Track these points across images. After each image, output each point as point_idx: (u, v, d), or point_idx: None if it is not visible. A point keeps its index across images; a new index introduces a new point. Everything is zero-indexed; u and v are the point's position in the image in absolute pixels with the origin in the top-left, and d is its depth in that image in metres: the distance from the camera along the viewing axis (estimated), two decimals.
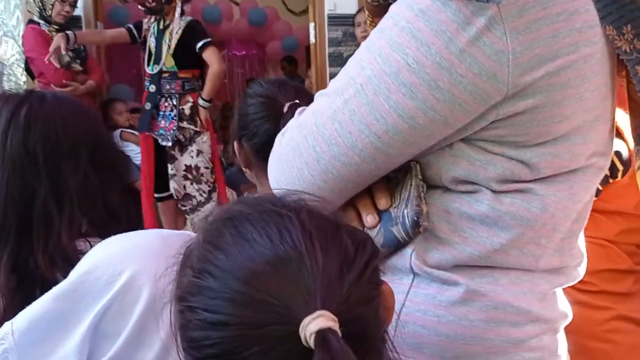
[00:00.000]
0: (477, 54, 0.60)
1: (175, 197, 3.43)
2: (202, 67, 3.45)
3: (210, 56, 3.31)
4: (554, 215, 0.69)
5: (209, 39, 3.34)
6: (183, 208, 3.46)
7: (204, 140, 3.41)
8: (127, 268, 0.69)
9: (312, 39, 4.49)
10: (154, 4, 3.23)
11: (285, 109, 1.11)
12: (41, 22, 3.50)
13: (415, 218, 0.68)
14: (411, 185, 0.69)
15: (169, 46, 3.26)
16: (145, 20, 3.41)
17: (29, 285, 0.89)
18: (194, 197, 3.39)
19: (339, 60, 4.28)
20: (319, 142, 0.68)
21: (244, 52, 7.35)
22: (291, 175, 0.72)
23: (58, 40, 3.13)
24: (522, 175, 0.67)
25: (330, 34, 4.32)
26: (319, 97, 0.73)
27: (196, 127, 3.36)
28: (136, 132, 4.18)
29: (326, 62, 4.36)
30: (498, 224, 0.67)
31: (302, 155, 0.70)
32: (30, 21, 3.54)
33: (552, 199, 0.68)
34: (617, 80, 0.73)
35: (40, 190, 0.92)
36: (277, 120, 1.11)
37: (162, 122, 3.32)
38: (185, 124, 3.33)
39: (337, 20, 4.30)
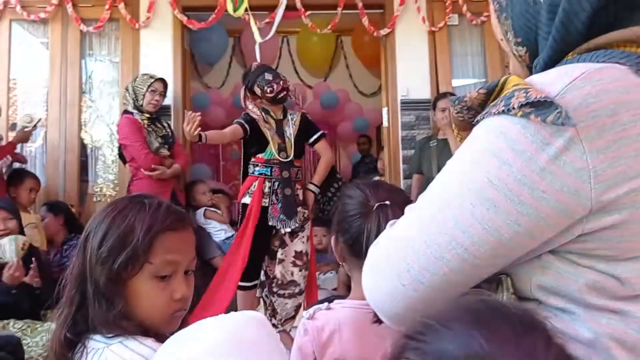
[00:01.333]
0: (558, 171, 0.64)
1: (280, 282, 3.38)
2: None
3: (325, 146, 3.56)
4: None
5: (323, 131, 3.58)
6: (281, 291, 3.39)
7: (308, 227, 3.48)
8: None
9: (385, 123, 4.57)
10: (284, 94, 3.40)
11: (373, 209, 1.20)
12: (134, 111, 3.75)
13: None
14: (502, 299, 0.72)
15: (291, 136, 3.42)
16: (251, 112, 3.49)
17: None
18: (299, 284, 3.37)
19: (411, 143, 4.34)
20: (408, 253, 0.72)
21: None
22: (384, 285, 0.76)
23: (193, 137, 3.20)
24: (614, 290, 0.67)
25: (403, 118, 4.40)
26: (409, 211, 0.78)
27: (308, 213, 3.46)
28: (219, 211, 4.37)
29: (399, 144, 4.41)
30: (596, 345, 0.67)
31: (393, 266, 0.74)
32: (125, 111, 3.80)
33: None
34: None
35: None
36: (366, 218, 1.20)
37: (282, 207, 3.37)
38: (300, 209, 3.41)
39: (409, 105, 4.39)
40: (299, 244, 3.39)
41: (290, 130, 3.43)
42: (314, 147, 3.56)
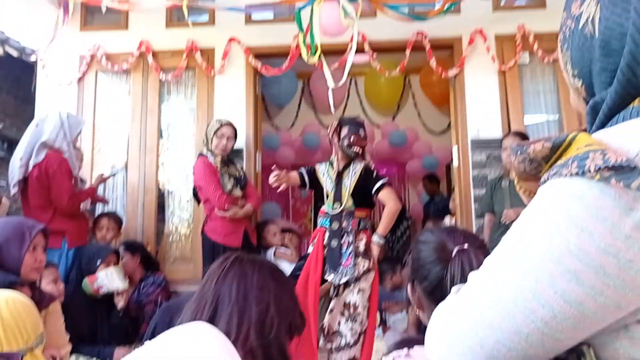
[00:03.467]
0: None
1: (326, 332, 3.32)
2: (373, 207, 3.60)
3: (388, 195, 3.42)
4: None
5: (386, 180, 3.48)
6: (327, 346, 3.32)
7: (368, 279, 3.37)
8: None
9: (455, 162, 4.52)
10: (361, 150, 3.48)
11: (453, 254, 1.19)
12: (209, 154, 3.90)
13: None
14: None
15: (348, 187, 3.43)
16: (318, 165, 3.64)
17: None
18: (345, 335, 3.28)
19: (483, 183, 4.25)
20: (481, 326, 0.68)
21: (384, 171, 7.56)
22: (453, 358, 0.72)
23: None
24: None
25: (474, 157, 4.33)
26: (475, 278, 0.74)
27: (369, 264, 3.37)
28: (288, 251, 4.42)
29: (470, 184, 4.33)
30: None
31: (465, 339, 0.70)
32: (201, 154, 3.96)
33: None
34: None
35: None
36: (446, 264, 1.19)
37: (340, 258, 3.36)
38: (359, 260, 3.35)
39: (480, 144, 4.32)
40: (349, 295, 3.33)
41: (350, 181, 3.44)
42: (377, 197, 3.46)
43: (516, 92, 4.39)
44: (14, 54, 4.84)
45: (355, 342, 3.28)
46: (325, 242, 3.41)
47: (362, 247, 3.37)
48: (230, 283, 1.24)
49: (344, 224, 3.39)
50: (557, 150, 0.69)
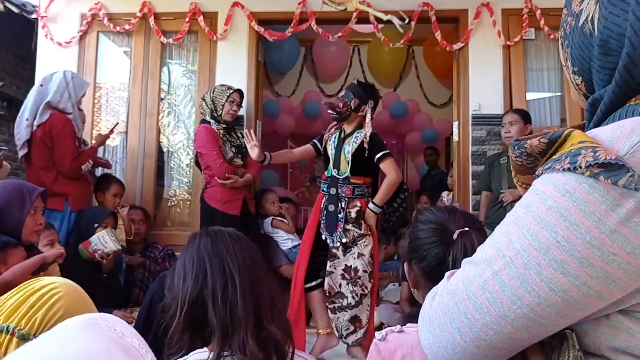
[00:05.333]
0: (629, 233, 0.61)
1: (327, 294, 3.43)
2: (375, 176, 3.58)
3: (389, 166, 3.44)
4: None
5: (387, 151, 3.48)
6: (330, 305, 3.45)
7: (366, 244, 3.42)
8: None
9: (455, 137, 4.50)
10: (343, 109, 3.48)
11: (455, 236, 1.20)
12: (212, 121, 3.89)
13: None
14: (569, 355, 0.70)
15: (347, 153, 3.47)
16: (326, 131, 3.70)
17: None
18: (346, 297, 3.38)
19: (482, 159, 4.26)
20: (470, 309, 0.72)
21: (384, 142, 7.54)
22: (443, 339, 0.76)
23: (258, 157, 3.50)
24: None
25: (474, 133, 4.32)
26: (467, 264, 0.77)
27: (360, 230, 3.42)
28: (285, 220, 4.45)
29: (469, 160, 4.33)
30: None
31: (454, 320, 0.74)
32: (203, 121, 3.95)
33: None
34: None
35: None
36: (447, 246, 1.20)
37: (337, 223, 3.49)
38: (350, 227, 3.40)
39: (481, 120, 4.31)
40: (349, 259, 3.42)
41: (350, 148, 3.47)
42: (380, 166, 3.48)
43: (520, 68, 4.36)
44: (15, 9, 4.78)
45: (357, 304, 3.39)
46: (322, 206, 3.52)
47: (353, 214, 3.42)
48: (215, 294, 1.33)
49: (339, 190, 3.47)
50: (552, 145, 0.72)
